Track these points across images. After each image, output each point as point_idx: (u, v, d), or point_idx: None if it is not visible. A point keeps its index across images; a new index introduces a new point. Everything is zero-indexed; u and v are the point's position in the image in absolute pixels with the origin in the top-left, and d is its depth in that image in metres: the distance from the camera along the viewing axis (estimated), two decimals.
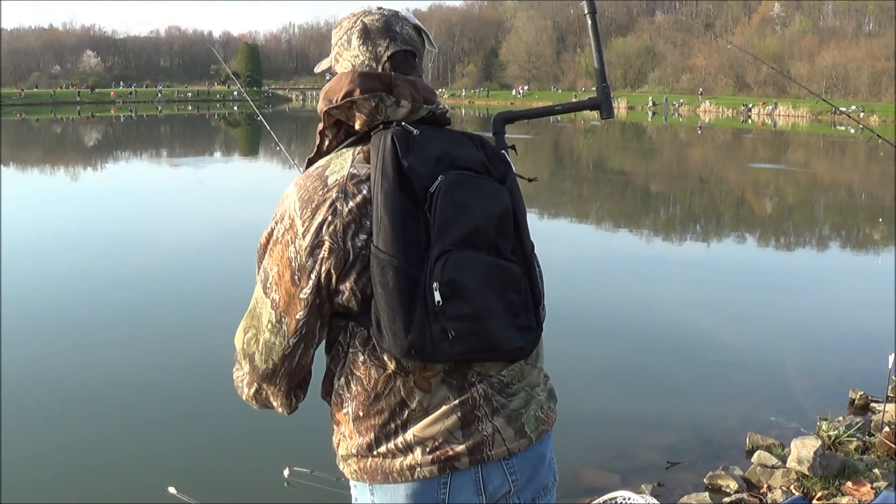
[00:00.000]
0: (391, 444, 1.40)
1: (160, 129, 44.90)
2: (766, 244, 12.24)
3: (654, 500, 3.47)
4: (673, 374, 5.84)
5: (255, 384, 1.46)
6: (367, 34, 1.46)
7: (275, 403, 1.49)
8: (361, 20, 1.47)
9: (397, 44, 1.46)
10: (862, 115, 53.49)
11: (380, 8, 1.51)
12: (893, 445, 4.09)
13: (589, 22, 1.75)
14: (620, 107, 68.35)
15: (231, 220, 12.70)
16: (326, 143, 1.48)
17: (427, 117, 1.45)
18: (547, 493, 1.51)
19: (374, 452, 1.41)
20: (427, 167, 1.35)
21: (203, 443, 4.53)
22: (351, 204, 1.36)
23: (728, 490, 3.79)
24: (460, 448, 1.38)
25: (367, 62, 1.45)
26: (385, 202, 1.31)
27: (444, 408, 1.39)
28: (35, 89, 76.36)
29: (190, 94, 79.15)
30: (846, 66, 64.47)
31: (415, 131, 1.38)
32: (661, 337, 6.74)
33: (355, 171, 1.38)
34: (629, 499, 3.42)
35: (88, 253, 9.83)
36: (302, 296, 1.37)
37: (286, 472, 3.74)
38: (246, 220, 12.48)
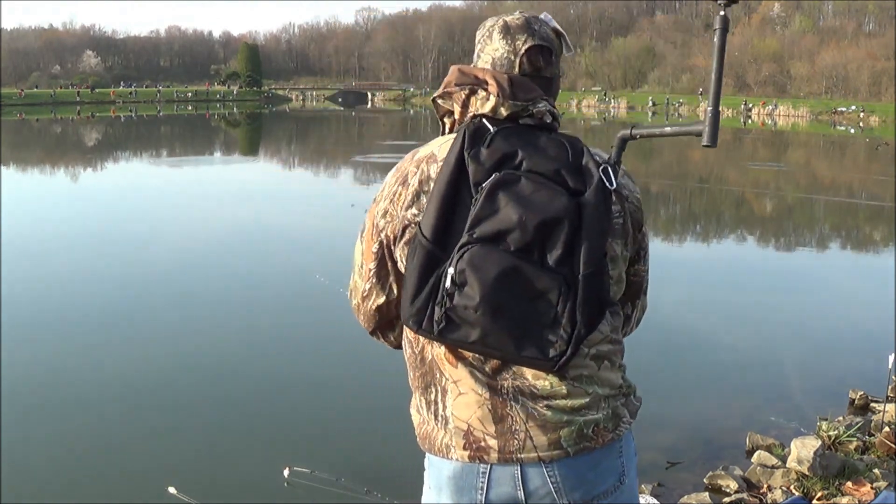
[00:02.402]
0: (433, 412, 1.48)
1: (160, 129, 44.87)
2: (766, 244, 12.24)
3: (654, 500, 3.47)
4: (672, 373, 5.84)
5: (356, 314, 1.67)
6: (507, 30, 1.57)
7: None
8: (503, 19, 1.59)
9: (535, 39, 1.57)
10: (862, 114, 53.62)
11: (522, 11, 1.63)
12: (893, 445, 4.09)
13: (716, 38, 1.45)
14: (620, 107, 68.50)
15: (231, 219, 12.71)
16: (447, 128, 1.59)
17: (521, 114, 1.48)
18: (608, 496, 1.48)
19: (423, 418, 1.51)
20: (489, 163, 1.40)
21: (203, 443, 4.52)
22: (418, 179, 1.48)
23: (728, 490, 3.79)
24: (492, 442, 1.42)
25: (505, 55, 1.55)
26: (437, 187, 1.42)
27: (475, 396, 1.43)
28: (35, 89, 76.27)
29: (190, 94, 79.14)
30: (846, 66, 64.51)
31: (492, 128, 1.44)
32: (660, 337, 6.73)
33: (438, 152, 1.49)
34: None
35: (89, 253, 9.83)
36: (373, 249, 1.54)
37: (286, 472, 3.75)
38: (246, 221, 12.50)
